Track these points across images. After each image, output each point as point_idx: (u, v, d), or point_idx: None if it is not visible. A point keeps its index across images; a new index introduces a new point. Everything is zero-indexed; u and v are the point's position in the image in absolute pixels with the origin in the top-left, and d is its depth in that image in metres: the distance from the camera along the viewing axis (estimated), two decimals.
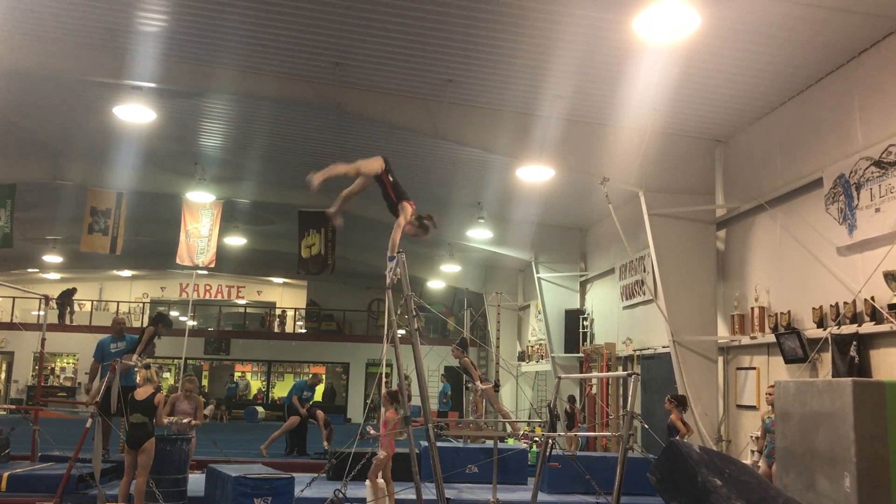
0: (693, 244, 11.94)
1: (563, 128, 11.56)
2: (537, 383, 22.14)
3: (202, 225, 17.56)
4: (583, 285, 19.04)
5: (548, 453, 9.08)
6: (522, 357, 23.26)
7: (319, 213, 18.21)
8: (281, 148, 15.08)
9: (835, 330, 9.03)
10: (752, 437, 10.60)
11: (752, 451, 10.10)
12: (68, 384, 30.69)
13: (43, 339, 12.02)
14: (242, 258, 26.55)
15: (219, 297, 35.47)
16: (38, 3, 9.40)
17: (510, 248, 19.45)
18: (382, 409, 9.69)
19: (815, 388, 7.27)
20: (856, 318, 8.83)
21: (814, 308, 9.58)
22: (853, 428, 6.62)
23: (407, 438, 7.05)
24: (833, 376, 8.84)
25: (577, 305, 18.85)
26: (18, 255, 25.91)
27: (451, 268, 23.70)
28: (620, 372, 15.21)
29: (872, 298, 8.52)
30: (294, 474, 9.37)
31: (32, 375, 28.77)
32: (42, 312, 13.41)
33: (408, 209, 7.32)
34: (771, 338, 10.40)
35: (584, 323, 18.38)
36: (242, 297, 35.94)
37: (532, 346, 22.21)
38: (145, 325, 12.44)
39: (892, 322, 8.17)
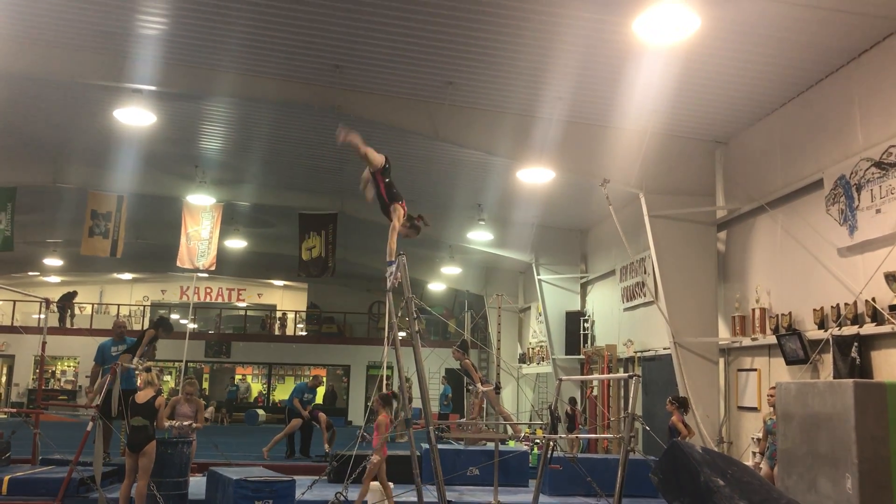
0: (694, 245, 11.94)
1: (563, 129, 11.56)
2: (538, 385, 22.13)
3: (203, 228, 17.56)
4: (583, 287, 19.04)
5: (549, 455, 9.07)
6: (523, 359, 23.24)
7: (320, 216, 18.27)
8: (281, 150, 15.09)
9: (836, 331, 9.02)
10: (753, 438, 10.60)
11: (754, 453, 10.09)
12: (69, 387, 30.68)
13: (43, 343, 12.01)
14: (243, 261, 26.54)
15: (219, 300, 35.47)
16: (38, 6, 9.41)
17: (511, 250, 19.44)
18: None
19: (817, 390, 7.26)
20: (857, 320, 8.82)
21: (815, 309, 9.57)
22: (854, 429, 6.62)
23: (408, 441, 7.04)
24: (834, 377, 8.83)
25: (577, 307, 18.84)
26: (19, 259, 25.92)
27: (451, 270, 23.70)
28: (621, 374, 15.21)
29: (873, 299, 8.52)
30: (295, 477, 9.37)
31: (33, 379, 28.75)
32: (43, 316, 13.36)
33: (400, 211, 7.33)
34: (772, 339, 10.39)
35: (585, 325, 18.37)
36: (243, 300, 35.94)
37: (533, 348, 22.19)
38: (146, 328, 12.44)
39: (893, 323, 8.16)
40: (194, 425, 10.23)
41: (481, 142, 11.98)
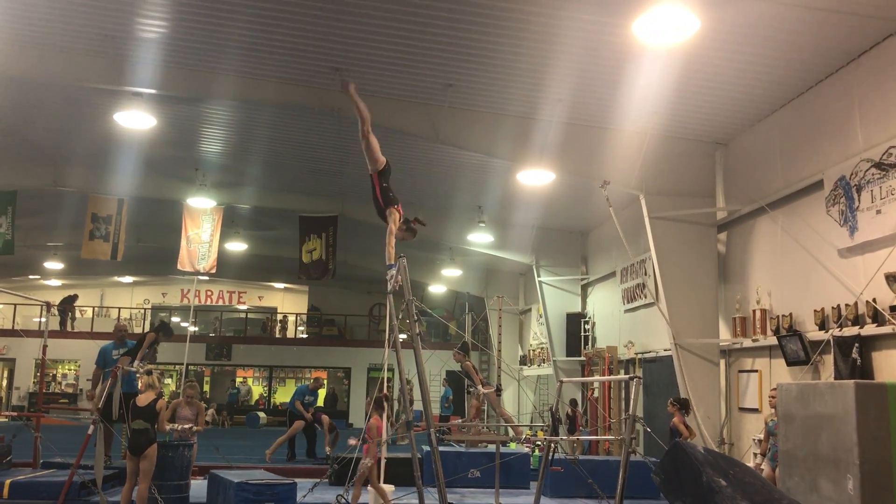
0: (694, 247, 11.94)
1: (563, 131, 11.57)
2: (539, 387, 22.13)
3: (203, 231, 17.56)
4: (584, 289, 19.04)
5: (550, 457, 9.06)
6: (524, 361, 23.24)
7: (320, 218, 18.26)
8: (281, 153, 15.09)
9: (836, 332, 9.02)
10: (754, 439, 10.59)
11: (755, 454, 10.08)
12: (70, 391, 30.66)
13: (44, 346, 12.02)
14: (243, 264, 26.54)
15: (220, 303, 35.47)
16: (38, 10, 9.42)
17: (511, 252, 19.45)
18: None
19: (818, 391, 7.26)
20: (857, 320, 8.82)
21: (815, 310, 9.57)
22: (856, 430, 6.62)
23: (409, 443, 7.04)
24: (835, 378, 8.83)
25: (578, 309, 18.84)
26: (20, 262, 25.91)
27: (452, 272, 23.70)
28: (622, 375, 15.20)
29: (874, 300, 8.52)
30: (296, 480, 9.37)
31: (34, 382, 28.73)
32: (43, 319, 13.38)
33: (395, 215, 7.33)
34: (773, 340, 10.39)
35: (586, 326, 18.38)
36: (244, 303, 35.95)
37: (534, 350, 22.19)
38: (147, 331, 12.45)
39: (893, 324, 8.16)
40: (195, 428, 10.23)
41: (481, 144, 11.99)
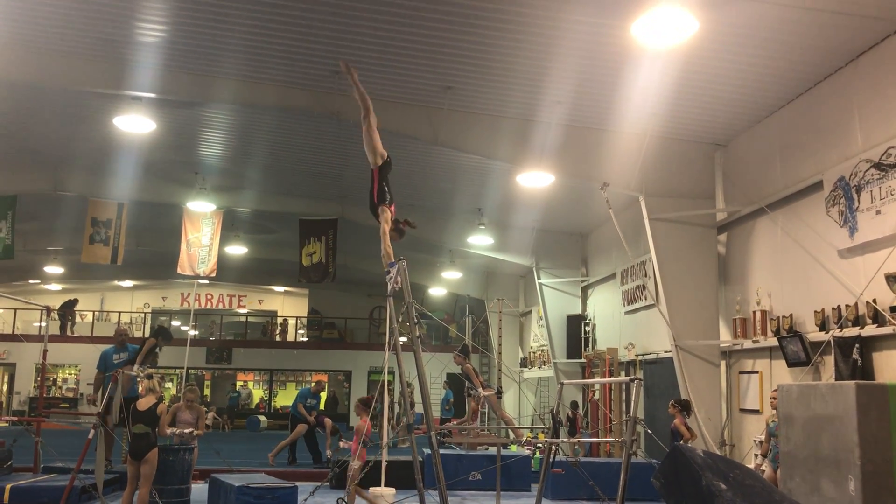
0: (694, 248, 11.94)
1: (562, 133, 11.57)
2: (540, 389, 22.12)
3: (203, 234, 17.57)
4: (584, 290, 19.03)
5: (551, 459, 9.06)
6: (525, 363, 23.23)
7: (320, 221, 18.27)
8: (281, 157, 15.10)
9: (837, 333, 9.02)
10: (755, 440, 10.58)
11: (756, 455, 10.07)
12: (70, 395, 30.67)
13: (45, 351, 12.02)
14: (243, 267, 26.54)
15: (220, 307, 35.46)
16: (37, 14, 9.42)
17: (511, 254, 19.45)
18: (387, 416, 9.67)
19: (819, 392, 7.25)
20: (858, 321, 8.81)
21: (816, 311, 9.57)
22: (857, 431, 6.61)
23: (410, 446, 7.04)
24: (836, 379, 8.82)
25: (578, 311, 18.84)
26: (20, 267, 25.91)
27: (452, 274, 23.70)
28: (623, 377, 15.20)
29: (874, 301, 8.51)
30: (297, 483, 9.37)
31: (34, 387, 28.74)
32: (44, 324, 13.38)
33: (387, 214, 7.32)
34: (773, 341, 10.38)
35: (586, 328, 18.37)
36: (244, 306, 35.94)
37: (534, 352, 22.18)
38: (147, 335, 12.45)
39: (894, 324, 8.15)
40: (195, 432, 10.23)
41: (481, 146, 11.99)
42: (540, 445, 10.17)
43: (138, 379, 10.70)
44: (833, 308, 9.27)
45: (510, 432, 14.21)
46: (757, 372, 11.12)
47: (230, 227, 19.61)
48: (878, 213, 8.55)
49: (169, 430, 9.55)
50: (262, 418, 28.81)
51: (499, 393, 15.94)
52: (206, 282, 23.52)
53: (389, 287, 7.20)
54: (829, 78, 9.53)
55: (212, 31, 9.59)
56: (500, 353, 18.75)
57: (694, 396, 11.35)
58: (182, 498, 9.36)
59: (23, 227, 18.61)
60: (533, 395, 22.35)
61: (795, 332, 9.93)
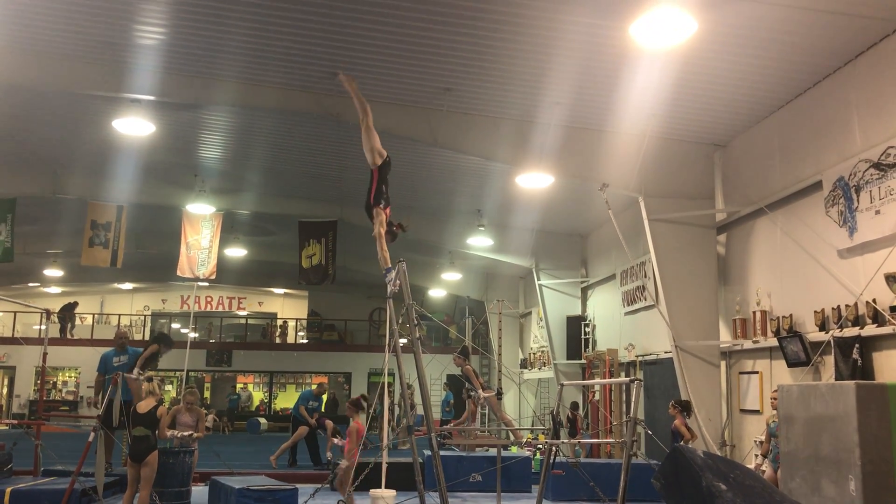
0: (694, 249, 11.95)
1: (561, 134, 11.57)
2: (540, 390, 22.11)
3: (202, 237, 17.57)
4: (584, 291, 19.03)
5: (551, 461, 9.05)
6: (525, 364, 23.23)
7: (319, 223, 18.28)
8: (280, 159, 15.10)
9: (837, 333, 9.02)
10: (755, 441, 10.58)
11: (756, 456, 10.07)
12: (70, 398, 30.64)
13: (45, 354, 12.02)
14: (243, 269, 26.54)
15: (220, 309, 35.47)
16: (36, 17, 9.42)
17: (511, 256, 19.45)
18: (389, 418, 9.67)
19: (819, 392, 7.25)
20: (858, 321, 8.81)
21: (815, 311, 9.57)
22: (857, 431, 6.61)
23: (410, 447, 7.04)
24: (836, 379, 8.82)
25: (578, 312, 18.83)
26: (19, 270, 25.92)
27: (451, 276, 23.71)
28: (623, 378, 15.20)
29: (874, 301, 8.52)
30: (297, 485, 9.37)
31: (34, 390, 28.71)
32: (43, 326, 13.38)
33: (382, 216, 7.33)
34: (773, 341, 10.39)
35: (586, 329, 18.37)
36: (243, 309, 35.94)
37: (534, 354, 22.19)
38: (147, 337, 12.44)
39: (894, 324, 8.15)
40: (195, 435, 10.22)
41: (480, 147, 11.99)
42: (540, 446, 10.16)
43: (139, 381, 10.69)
44: (833, 308, 9.28)
45: (510, 434, 14.22)
46: (757, 372, 11.12)
47: (230, 229, 19.61)
48: (877, 212, 8.56)
49: (169, 433, 9.55)
50: (263, 420, 28.81)
51: (499, 394, 15.96)
52: (206, 284, 23.53)
53: (389, 290, 7.22)
54: (827, 78, 9.53)
55: (211, 33, 9.59)
56: (500, 355, 18.76)
57: (694, 397, 11.35)
58: (182, 500, 9.36)
59: (22, 229, 18.61)
60: (533, 397, 22.35)
61: (795, 332, 9.93)
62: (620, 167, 11.56)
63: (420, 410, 8.38)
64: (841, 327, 9.00)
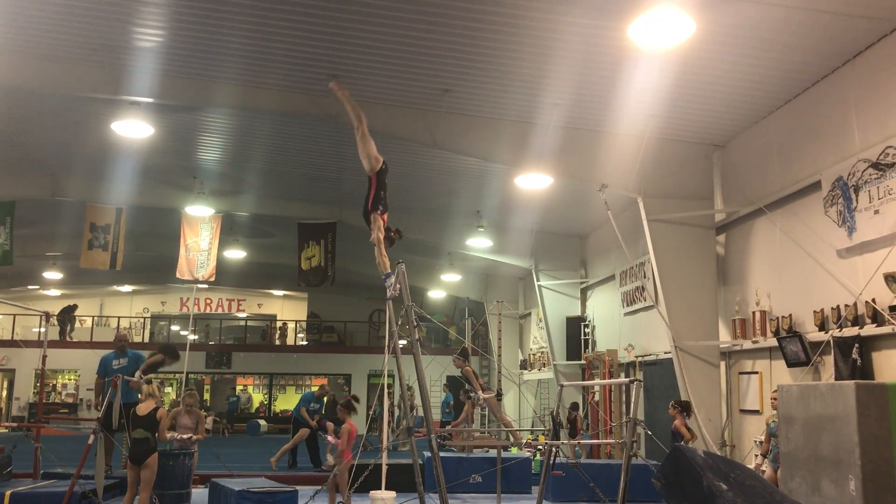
0: (693, 249, 11.95)
1: (560, 135, 11.58)
2: (540, 391, 22.11)
3: (202, 239, 17.56)
4: (583, 292, 19.04)
5: (551, 461, 9.05)
6: (524, 365, 23.23)
7: (319, 225, 18.28)
8: (279, 160, 15.10)
9: (836, 333, 9.02)
10: (755, 441, 10.58)
11: (756, 456, 10.08)
12: (70, 401, 30.62)
13: (44, 356, 12.00)
14: (242, 271, 26.53)
15: (219, 311, 35.45)
16: (35, 20, 9.42)
17: (510, 257, 19.46)
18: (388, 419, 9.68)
19: (818, 392, 7.26)
20: (857, 321, 8.82)
21: (815, 311, 9.57)
22: (857, 431, 6.62)
23: (410, 449, 7.04)
24: (836, 379, 8.82)
25: (578, 312, 18.84)
26: (18, 273, 25.90)
27: (451, 277, 23.71)
28: (623, 379, 15.20)
29: (873, 300, 8.52)
30: (297, 487, 9.36)
31: (34, 393, 28.68)
32: (43, 329, 13.39)
33: (379, 222, 7.34)
34: (773, 342, 10.39)
35: (586, 330, 18.37)
36: (243, 311, 35.92)
37: (534, 354, 22.18)
38: (147, 340, 12.43)
39: (893, 324, 8.16)
40: (195, 437, 10.22)
41: (479, 149, 12.00)
42: (540, 447, 10.16)
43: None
44: (832, 308, 9.28)
45: (509, 435, 14.23)
46: (757, 372, 11.13)
47: (229, 231, 19.61)
48: (876, 212, 8.56)
49: (169, 435, 9.54)
50: (262, 422, 28.78)
51: (499, 395, 15.96)
52: (205, 286, 23.55)
53: (389, 292, 7.22)
54: (826, 78, 9.54)
55: (209, 35, 9.59)
56: (499, 356, 18.77)
57: (694, 397, 11.35)
58: (182, 503, 9.35)
59: (21, 232, 18.60)
60: (533, 398, 22.35)
61: (795, 332, 9.93)
62: (619, 168, 11.57)
63: (420, 412, 8.39)
64: (840, 327, 9.01)
